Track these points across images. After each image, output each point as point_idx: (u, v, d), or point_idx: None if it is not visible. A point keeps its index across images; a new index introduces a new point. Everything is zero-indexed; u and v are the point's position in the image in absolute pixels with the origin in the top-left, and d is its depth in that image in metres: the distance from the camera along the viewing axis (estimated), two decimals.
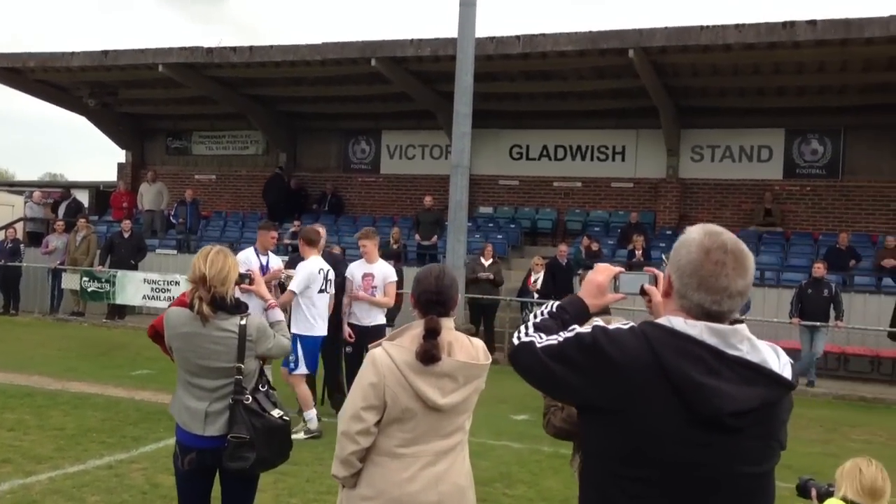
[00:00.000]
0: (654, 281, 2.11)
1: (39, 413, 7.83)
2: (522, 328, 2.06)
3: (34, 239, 18.87)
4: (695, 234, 1.90)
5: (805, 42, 13.30)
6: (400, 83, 16.71)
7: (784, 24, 13.22)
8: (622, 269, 2.20)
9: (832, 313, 12.39)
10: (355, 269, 8.27)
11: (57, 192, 21.94)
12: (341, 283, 8.20)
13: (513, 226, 18.14)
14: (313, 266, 7.63)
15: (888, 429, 9.54)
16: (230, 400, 3.45)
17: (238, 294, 3.63)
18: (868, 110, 15.76)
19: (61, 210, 19.37)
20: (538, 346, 1.94)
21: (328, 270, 7.74)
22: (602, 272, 2.20)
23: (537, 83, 16.62)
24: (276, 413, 3.51)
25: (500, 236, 17.37)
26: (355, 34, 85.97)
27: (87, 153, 65.91)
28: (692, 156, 17.43)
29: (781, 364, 1.86)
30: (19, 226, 19.23)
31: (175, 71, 17.37)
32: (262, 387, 3.56)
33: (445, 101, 14.87)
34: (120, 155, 22.50)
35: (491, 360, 2.96)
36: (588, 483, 1.99)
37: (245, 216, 19.98)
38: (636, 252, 15.30)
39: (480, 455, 7.16)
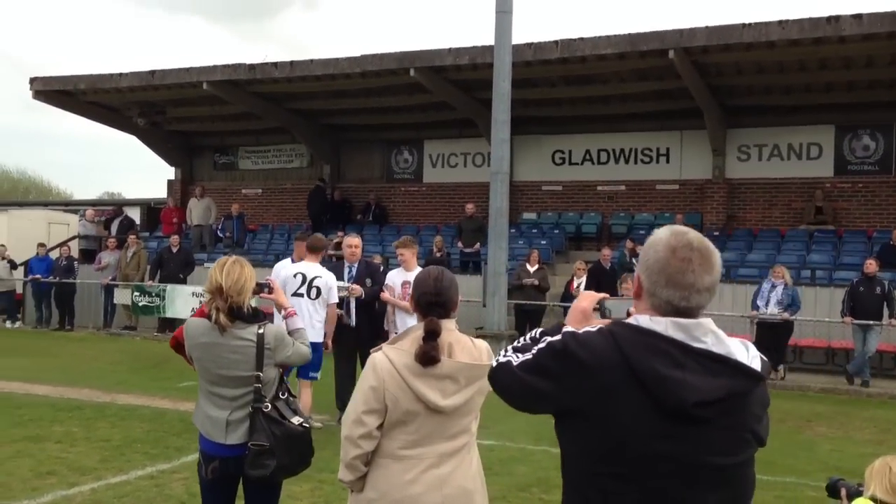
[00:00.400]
0: (635, 283, 2.08)
1: (87, 425, 8.01)
2: (502, 351, 2.10)
3: (88, 256, 19.36)
4: (662, 234, 1.96)
5: (851, 36, 12.98)
6: (439, 92, 16.78)
7: (829, 18, 12.92)
8: (607, 295, 2.25)
9: (885, 311, 12.03)
10: (395, 277, 8.32)
11: (109, 210, 22.51)
12: (377, 292, 8.23)
13: (557, 231, 18.04)
14: (290, 269, 7.70)
15: None
16: (251, 408, 3.48)
17: (254, 303, 3.65)
18: None
19: (114, 227, 19.88)
20: (514, 364, 2.00)
21: (314, 277, 7.65)
22: (586, 299, 2.24)
23: (578, 87, 16.51)
24: (295, 420, 3.53)
25: (544, 242, 17.29)
26: (395, 45, 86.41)
27: (140, 171, 67.58)
28: (739, 155, 17.12)
29: (750, 357, 1.89)
30: (73, 243, 19.76)
31: (219, 88, 17.71)
32: (283, 394, 3.58)
33: (485, 108, 14.86)
34: (170, 172, 23.02)
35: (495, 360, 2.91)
36: (569, 485, 2.02)
37: (291, 229, 20.20)
38: None
39: (519, 460, 7.12)
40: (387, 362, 2.77)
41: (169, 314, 16.41)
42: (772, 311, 12.45)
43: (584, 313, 2.19)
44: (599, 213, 18.21)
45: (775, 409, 8.96)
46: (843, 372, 12.45)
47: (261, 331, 3.50)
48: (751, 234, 16.71)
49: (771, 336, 12.54)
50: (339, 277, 8.36)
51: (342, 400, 7.95)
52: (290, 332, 3.68)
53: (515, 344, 2.13)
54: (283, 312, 3.88)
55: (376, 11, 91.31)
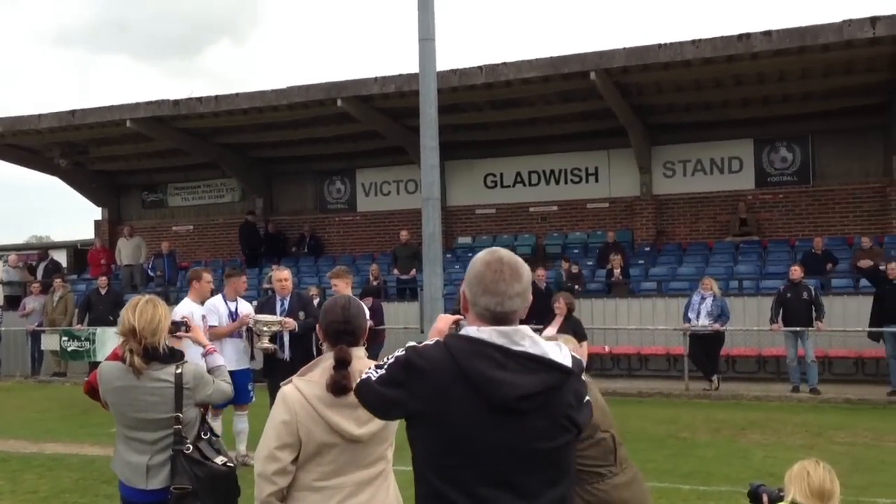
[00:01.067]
0: (461, 299, 2.38)
1: (13, 477, 7.72)
2: (366, 370, 2.36)
3: (12, 302, 18.73)
4: (480, 254, 2.34)
5: (762, 53, 13.46)
6: (368, 121, 16.81)
7: (740, 36, 13.39)
8: (461, 317, 2.48)
9: (814, 316, 12.39)
10: None
11: (34, 255, 21.85)
12: (311, 324, 8.14)
13: None
14: (182, 309, 7.47)
15: (873, 430, 9.50)
16: (171, 451, 3.39)
17: (170, 343, 3.56)
18: (833, 115, 15.93)
19: (40, 271, 19.29)
20: (373, 379, 2.29)
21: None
22: (442, 321, 2.53)
23: (504, 111, 16.74)
24: (219, 460, 3.44)
25: None
26: (323, 76, 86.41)
27: (66, 213, 65.92)
28: (664, 171, 17.55)
29: (563, 355, 2.22)
30: None
31: (144, 125, 17.43)
32: (205, 434, 3.50)
33: (415, 135, 14.88)
34: (96, 212, 22.48)
35: None
36: (420, 478, 2.27)
37: (224, 263, 19.87)
38: (615, 271, 15.32)
39: None
40: (298, 394, 2.73)
41: (99, 357, 15.87)
42: (703, 322, 12.73)
43: (440, 333, 2.46)
44: (533, 234, 18.41)
45: (710, 419, 9.13)
46: (776, 379, 12.78)
47: (178, 370, 3.41)
48: (680, 248, 17.10)
49: (703, 347, 12.82)
50: (272, 311, 8.27)
51: None
52: (210, 370, 3.61)
53: (379, 362, 2.37)
54: (202, 350, 3.79)
55: (303, 45, 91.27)
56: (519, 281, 2.25)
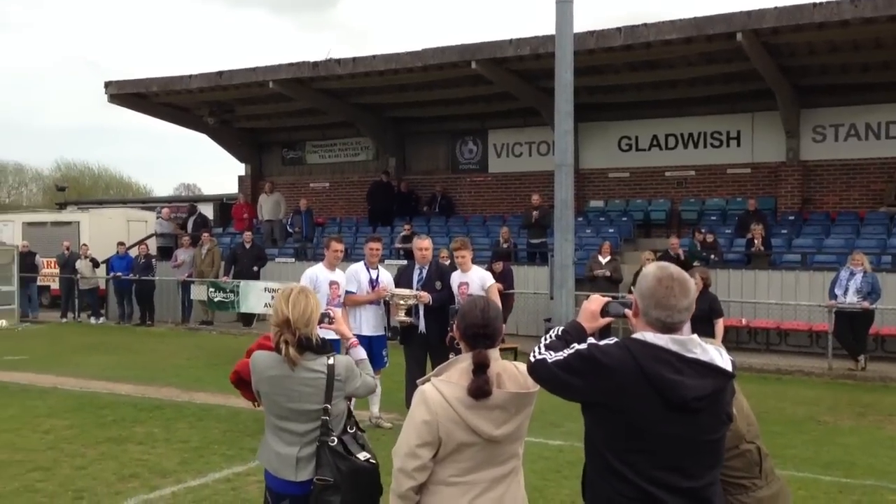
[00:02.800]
0: (633, 306, 2.64)
1: (167, 426, 8.30)
2: (536, 349, 2.65)
3: (165, 253, 19.97)
4: (650, 269, 2.60)
5: None
6: (502, 83, 16.70)
7: None
8: (610, 299, 2.81)
9: None
10: (452, 281, 8.34)
11: (184, 208, 23.13)
12: (447, 297, 8.25)
13: (625, 219, 17.80)
14: (309, 274, 8.22)
15: None
16: (318, 442, 3.37)
17: (322, 333, 3.54)
18: None
19: (189, 225, 20.42)
20: (550, 361, 2.57)
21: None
22: (595, 302, 2.81)
23: (643, 73, 16.22)
24: (362, 456, 3.41)
25: (611, 230, 17.10)
26: (454, 28, 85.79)
27: (213, 163, 69.13)
28: (814, 136, 16.59)
29: (724, 360, 2.52)
30: (151, 241, 20.40)
31: (285, 86, 17.99)
32: (350, 428, 3.47)
33: (549, 97, 14.68)
34: (240, 168, 23.52)
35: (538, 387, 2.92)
36: (591, 453, 2.58)
37: (358, 221, 20.46)
38: (755, 241, 14.69)
39: None
40: (438, 396, 2.78)
41: (243, 309, 16.83)
42: (850, 300, 12.06)
43: (593, 314, 2.78)
44: (668, 199, 17.89)
45: (855, 403, 8.66)
46: None
47: (331, 362, 3.40)
48: (828, 218, 16.18)
49: (850, 325, 12.17)
50: (409, 279, 8.42)
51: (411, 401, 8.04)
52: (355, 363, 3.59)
53: (545, 342, 2.66)
54: (346, 343, 3.74)
55: None
56: (687, 296, 2.51)
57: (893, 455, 7.53)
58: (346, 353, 3.64)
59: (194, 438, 7.79)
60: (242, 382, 3.75)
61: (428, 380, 2.87)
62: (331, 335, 3.79)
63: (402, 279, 8.47)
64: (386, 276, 8.47)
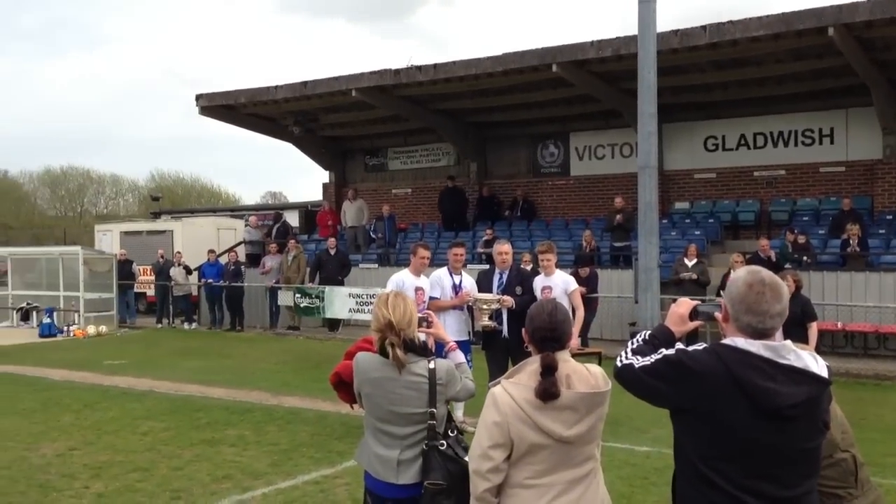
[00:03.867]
0: (723, 310, 2.58)
1: (258, 429, 8.53)
2: (622, 353, 2.61)
3: (253, 260, 20.53)
4: (741, 273, 2.50)
5: None
6: (583, 85, 16.57)
7: None
8: (699, 303, 2.77)
9: None
10: (536, 284, 8.32)
11: (270, 215, 23.72)
12: (528, 301, 8.23)
13: (711, 220, 17.40)
14: (395, 279, 8.38)
15: None
16: (424, 446, 3.35)
17: (423, 336, 3.57)
18: None
19: (274, 232, 20.93)
20: (637, 366, 2.53)
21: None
22: (683, 305, 2.77)
23: (730, 71, 15.84)
24: (467, 458, 3.34)
25: (697, 232, 16.73)
26: (533, 34, 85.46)
27: (300, 172, 70.95)
28: None
29: (820, 367, 2.42)
30: (240, 248, 21.01)
31: (367, 94, 18.28)
32: (452, 431, 3.46)
33: (631, 98, 14.50)
34: (324, 175, 23.99)
35: (610, 385, 2.89)
36: (682, 464, 2.53)
37: (440, 226, 20.58)
38: (851, 241, 14.14)
39: None
40: (507, 397, 2.81)
41: (328, 314, 17.14)
42: None
43: (682, 318, 2.74)
44: (757, 199, 17.41)
45: None
46: None
47: (432, 365, 3.38)
48: None
49: None
50: (490, 283, 8.44)
51: None
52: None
53: (632, 346, 2.63)
54: (445, 347, 3.73)
55: (512, 3, 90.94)
56: (779, 301, 2.42)
57: None
58: (446, 357, 3.64)
59: (284, 441, 7.97)
60: (342, 384, 3.79)
61: (498, 383, 2.90)
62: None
63: (482, 284, 8.49)
64: (469, 282, 8.51)
